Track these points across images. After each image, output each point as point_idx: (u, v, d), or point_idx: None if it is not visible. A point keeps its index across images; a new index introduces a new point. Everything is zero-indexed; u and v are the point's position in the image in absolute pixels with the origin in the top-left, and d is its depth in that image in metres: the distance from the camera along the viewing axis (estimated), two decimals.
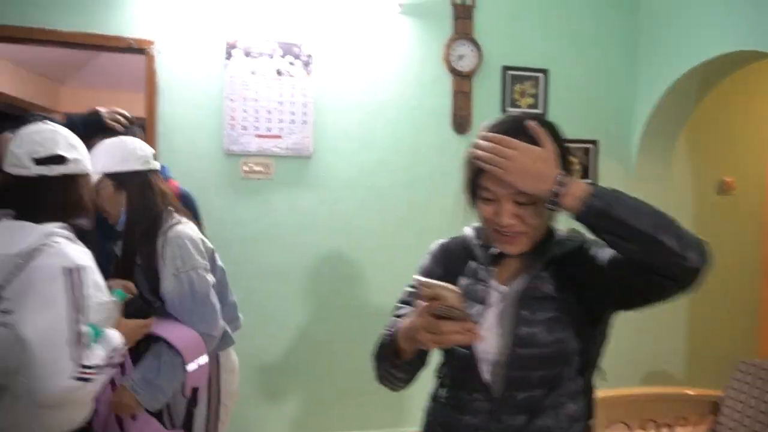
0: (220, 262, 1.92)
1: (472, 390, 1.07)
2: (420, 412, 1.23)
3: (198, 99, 2.85)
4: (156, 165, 1.84)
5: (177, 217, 1.76)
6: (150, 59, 2.78)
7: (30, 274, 1.22)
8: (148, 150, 1.83)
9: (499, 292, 1.10)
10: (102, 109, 2.19)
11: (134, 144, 1.81)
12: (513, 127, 1.02)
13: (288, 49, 2.90)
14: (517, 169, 0.95)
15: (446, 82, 3.10)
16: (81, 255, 1.31)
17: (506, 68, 3.15)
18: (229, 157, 2.88)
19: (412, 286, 1.16)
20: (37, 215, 1.31)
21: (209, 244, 1.85)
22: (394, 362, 1.09)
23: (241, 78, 2.86)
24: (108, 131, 2.03)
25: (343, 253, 3.03)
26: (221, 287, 1.88)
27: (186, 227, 1.75)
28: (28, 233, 1.27)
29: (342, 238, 3.03)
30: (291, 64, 2.90)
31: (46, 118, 1.83)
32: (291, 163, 2.94)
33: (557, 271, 1.07)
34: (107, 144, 1.78)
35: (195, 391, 1.75)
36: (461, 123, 3.11)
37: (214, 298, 1.74)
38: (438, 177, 3.11)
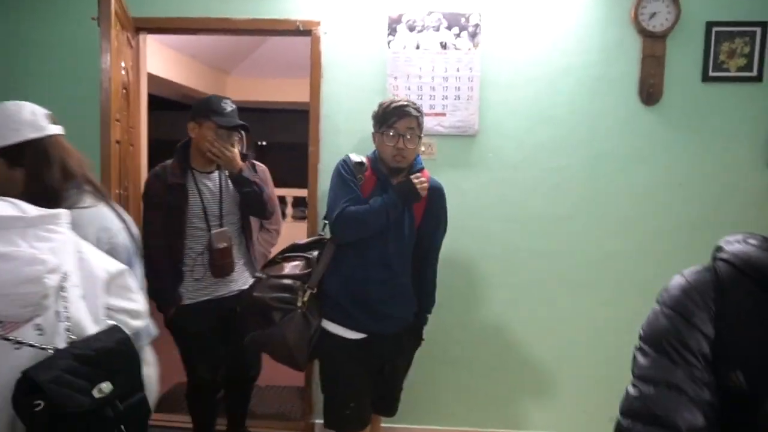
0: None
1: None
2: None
3: (361, 78, 2.78)
4: (54, 129, 1.38)
5: (86, 198, 1.36)
6: (316, 40, 2.76)
7: None
8: (39, 112, 1.36)
9: None
10: None
11: (19, 108, 1.35)
12: None
13: (454, 20, 2.70)
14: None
15: (634, 46, 2.68)
16: None
17: (711, 24, 2.65)
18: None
19: None
20: None
21: (119, 238, 1.39)
22: None
23: (404, 54, 2.72)
24: None
25: (510, 239, 2.80)
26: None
27: (88, 212, 1.34)
28: None
29: (510, 224, 2.79)
30: (457, 36, 2.70)
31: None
32: (455, 142, 2.76)
33: None
34: None
35: None
36: (651, 93, 2.68)
37: None
38: (623, 156, 2.73)
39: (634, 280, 2.76)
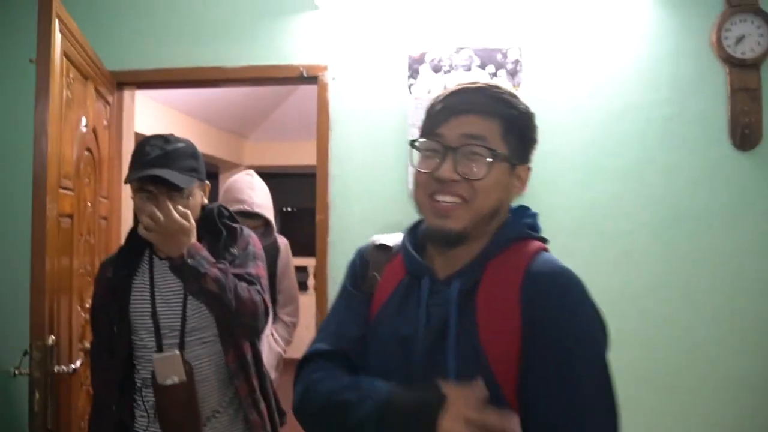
0: None
1: None
2: None
3: (378, 131, 2.30)
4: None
5: None
6: (322, 88, 2.32)
7: None
8: None
9: None
10: None
11: None
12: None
13: (488, 57, 2.23)
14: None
15: (718, 78, 2.14)
16: None
17: None
18: None
19: None
20: None
21: None
22: None
23: (429, 99, 2.24)
24: None
25: None
26: None
27: None
28: None
29: None
30: (493, 75, 2.22)
31: None
32: None
33: None
34: None
35: None
36: (746, 134, 2.11)
37: None
38: (710, 215, 2.13)
39: (733, 375, 2.08)
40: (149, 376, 1.39)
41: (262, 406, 1.49)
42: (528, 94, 2.21)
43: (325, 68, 2.32)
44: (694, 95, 2.16)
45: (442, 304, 0.83)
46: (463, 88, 0.88)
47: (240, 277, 1.40)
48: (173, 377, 1.35)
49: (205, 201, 1.51)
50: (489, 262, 0.85)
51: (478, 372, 0.76)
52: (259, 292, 1.41)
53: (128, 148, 2.62)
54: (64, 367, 1.56)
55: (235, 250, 1.47)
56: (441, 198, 0.83)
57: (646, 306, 2.14)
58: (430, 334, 0.82)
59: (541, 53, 2.22)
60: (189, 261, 1.32)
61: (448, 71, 2.24)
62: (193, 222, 1.38)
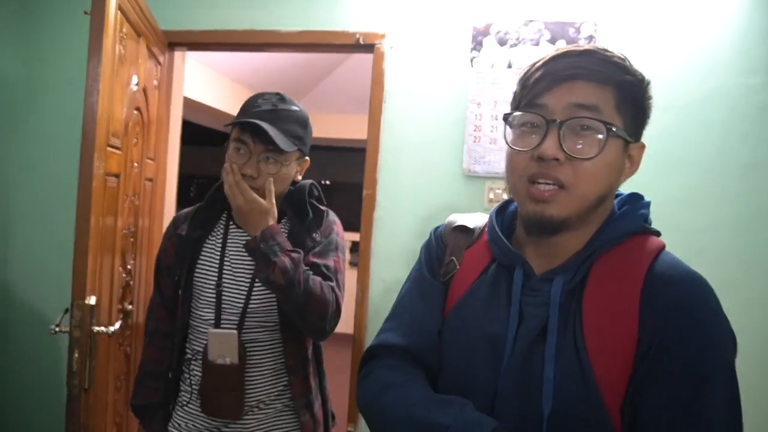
0: None
1: None
2: None
3: (434, 105, 2.17)
4: None
5: None
6: (379, 57, 2.20)
7: None
8: None
9: None
10: None
11: None
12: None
13: (560, 31, 2.06)
14: None
15: None
16: None
17: None
18: (471, 179, 2.14)
19: None
20: None
21: None
22: None
23: (492, 75, 2.10)
24: None
25: None
26: None
27: None
28: None
29: None
30: None
31: None
32: None
33: None
34: None
35: None
36: None
37: None
38: None
39: None
40: (201, 349, 1.30)
41: (317, 407, 1.34)
42: None
43: (382, 36, 2.20)
44: None
45: (540, 304, 0.71)
46: (568, 51, 0.74)
47: (316, 269, 1.26)
48: (225, 357, 1.25)
49: (299, 177, 1.37)
50: (599, 257, 0.72)
51: (582, 389, 0.65)
52: (333, 290, 1.25)
53: (177, 110, 2.58)
54: (103, 328, 1.52)
55: (317, 236, 1.32)
56: (542, 181, 0.70)
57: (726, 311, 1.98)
58: (525, 337, 0.70)
59: (618, 29, 2.04)
60: (261, 246, 1.18)
61: (515, 45, 2.09)
62: (273, 201, 1.23)
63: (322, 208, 1.38)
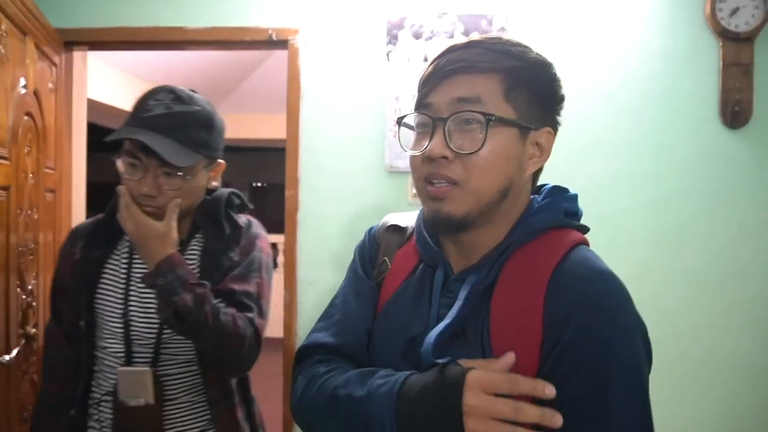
0: None
1: None
2: None
3: (353, 101, 2.14)
4: None
5: None
6: (293, 53, 2.14)
7: None
8: None
9: None
10: None
11: None
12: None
13: (473, 24, 2.07)
14: None
15: (712, 51, 2.04)
16: None
17: None
18: (395, 175, 2.12)
19: None
20: None
21: None
22: None
23: (409, 68, 2.09)
24: None
25: None
26: None
27: None
28: None
29: None
30: None
31: None
32: None
33: None
34: None
35: None
36: (737, 112, 2.02)
37: None
38: (701, 195, 2.05)
39: (730, 358, 2.03)
40: (111, 389, 1.12)
41: None
42: None
43: (296, 32, 2.14)
44: (687, 69, 2.05)
45: (453, 305, 0.69)
46: (452, 46, 0.71)
47: (231, 298, 1.09)
48: (139, 398, 1.08)
49: (215, 183, 1.19)
50: (512, 255, 0.69)
51: None
52: (251, 322, 1.09)
53: (80, 114, 2.41)
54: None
55: (235, 255, 1.14)
56: (436, 180, 0.68)
57: (634, 292, 2.06)
58: (441, 339, 0.67)
59: (529, 21, 2.08)
60: (159, 281, 1.01)
61: (430, 38, 2.08)
62: (172, 224, 1.06)
63: (243, 219, 1.21)
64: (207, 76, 5.15)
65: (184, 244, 1.15)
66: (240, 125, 6.31)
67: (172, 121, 1.06)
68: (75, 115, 2.33)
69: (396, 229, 0.84)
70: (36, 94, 1.83)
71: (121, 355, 1.11)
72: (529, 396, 0.61)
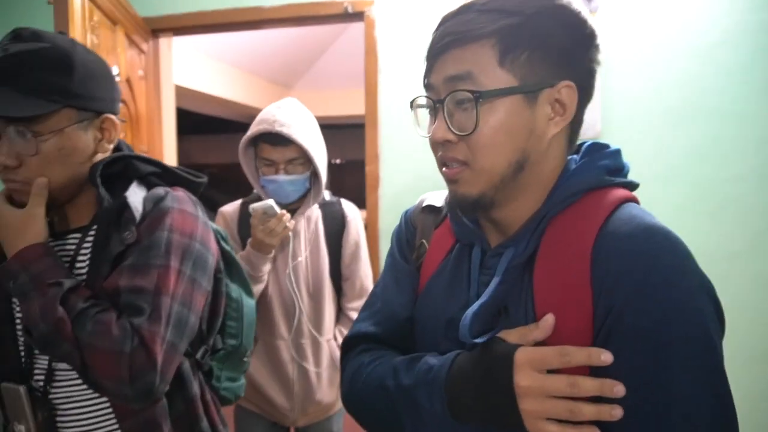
0: None
1: None
2: None
3: None
4: None
5: None
6: (369, 25, 2.09)
7: None
8: None
9: None
10: None
11: None
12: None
13: None
14: None
15: None
16: None
17: None
18: None
19: None
20: None
21: None
22: None
23: None
24: None
25: None
26: None
27: None
28: None
29: None
30: None
31: None
32: None
33: None
34: None
35: None
36: None
37: None
38: None
39: None
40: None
41: None
42: (606, 22, 1.91)
43: (371, 3, 2.08)
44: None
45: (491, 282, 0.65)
46: (445, 15, 0.65)
47: (116, 298, 0.81)
48: (19, 425, 0.84)
49: (107, 147, 0.90)
50: (550, 222, 0.63)
51: None
52: (136, 331, 0.79)
53: (169, 100, 2.50)
54: None
55: (129, 235, 0.84)
56: (449, 163, 0.65)
57: (749, 267, 1.87)
58: (480, 318, 0.62)
59: None
60: (10, 284, 0.81)
61: None
62: (38, 205, 0.83)
63: (159, 191, 0.89)
64: (284, 56, 5.23)
65: (84, 232, 0.88)
66: (316, 103, 6.38)
67: (7, 63, 0.81)
68: (164, 101, 2.42)
69: (431, 209, 0.80)
70: (128, 81, 1.91)
71: (18, 368, 0.88)
72: (585, 369, 0.56)
